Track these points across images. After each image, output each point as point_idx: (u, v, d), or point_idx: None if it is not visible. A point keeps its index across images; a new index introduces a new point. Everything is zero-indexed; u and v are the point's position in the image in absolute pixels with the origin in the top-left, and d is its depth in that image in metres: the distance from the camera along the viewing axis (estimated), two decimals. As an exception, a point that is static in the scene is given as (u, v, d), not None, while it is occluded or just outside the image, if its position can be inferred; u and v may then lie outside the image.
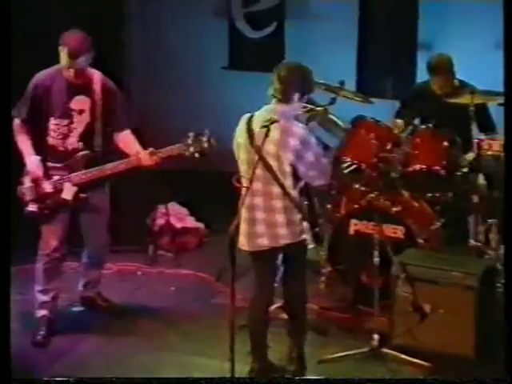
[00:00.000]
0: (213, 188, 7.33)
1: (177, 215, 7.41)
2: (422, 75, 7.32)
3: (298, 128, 4.95)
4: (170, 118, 8.34)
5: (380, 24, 7.80)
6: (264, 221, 4.98)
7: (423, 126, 6.56)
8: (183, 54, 8.34)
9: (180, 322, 6.03)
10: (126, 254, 6.22)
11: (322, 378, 4.99)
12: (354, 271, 6.16)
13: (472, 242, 6.41)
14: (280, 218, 4.97)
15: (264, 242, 5.01)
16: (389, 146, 6.50)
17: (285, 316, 5.97)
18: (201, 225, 7.50)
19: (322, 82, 6.67)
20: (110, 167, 5.57)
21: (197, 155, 5.51)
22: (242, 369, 4.84)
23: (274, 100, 5.04)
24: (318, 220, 5.12)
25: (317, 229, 5.06)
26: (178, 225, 7.37)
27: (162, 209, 7.30)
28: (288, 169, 4.91)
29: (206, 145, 5.49)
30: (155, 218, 7.31)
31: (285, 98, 4.98)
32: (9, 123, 4.71)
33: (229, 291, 4.60)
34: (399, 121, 6.78)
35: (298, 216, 4.98)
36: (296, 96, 4.98)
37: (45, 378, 4.77)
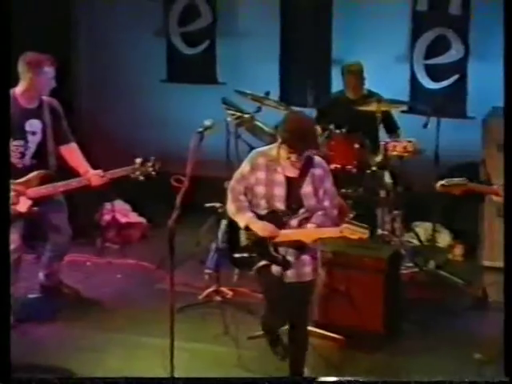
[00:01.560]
0: (154, 187, 7.31)
1: (121, 211, 7.39)
2: (336, 86, 7.42)
3: None
4: (115, 127, 8.28)
5: (299, 41, 7.83)
6: None
7: (337, 131, 6.62)
8: (126, 69, 8.27)
9: (126, 305, 6.02)
10: (77, 246, 6.17)
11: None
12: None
13: (380, 231, 6.52)
14: None
15: None
16: (308, 148, 6.56)
17: (218, 299, 6.04)
18: (143, 220, 7.48)
19: (249, 92, 6.72)
20: (62, 185, 5.60)
21: (142, 178, 5.54)
22: (182, 345, 4.85)
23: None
24: None
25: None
26: (123, 220, 7.35)
27: (108, 206, 7.27)
28: None
29: (151, 169, 5.53)
30: (102, 213, 7.28)
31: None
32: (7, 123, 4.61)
33: (169, 278, 4.62)
34: None
35: None
36: None
37: (42, 377, 4.65)
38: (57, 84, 5.65)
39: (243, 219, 4.64)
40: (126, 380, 4.18)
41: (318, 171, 4.59)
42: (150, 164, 5.54)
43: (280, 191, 4.58)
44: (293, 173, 4.58)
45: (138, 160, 5.56)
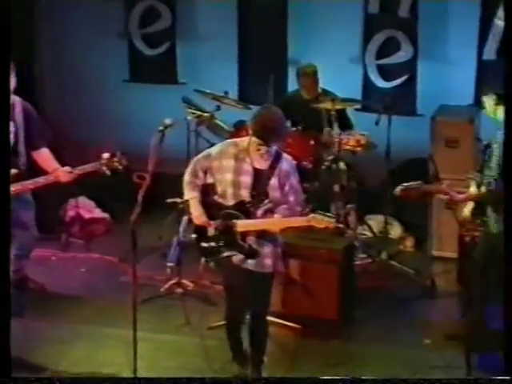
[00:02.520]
0: (117, 183, 7.29)
1: (86, 207, 7.34)
2: (292, 85, 7.45)
3: None
4: (79, 126, 8.22)
5: (256, 43, 7.84)
6: None
7: (294, 128, 6.65)
8: (89, 70, 8.20)
9: (91, 298, 5.99)
10: (42, 241, 6.11)
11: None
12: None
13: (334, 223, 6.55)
14: None
15: None
16: (265, 146, 6.57)
17: (180, 291, 6.03)
18: (107, 215, 7.43)
19: (208, 92, 6.72)
20: (31, 182, 5.55)
21: (108, 173, 5.52)
22: (145, 336, 4.84)
23: None
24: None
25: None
26: (87, 215, 7.31)
27: (72, 202, 7.24)
28: None
29: (117, 164, 5.49)
30: (67, 209, 7.24)
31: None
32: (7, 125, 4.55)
33: (132, 271, 4.60)
34: None
35: None
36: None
37: (44, 376, 4.59)
38: (20, 84, 5.57)
39: (189, 194, 4.73)
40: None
41: (285, 166, 4.64)
42: (116, 159, 5.52)
43: (246, 179, 4.61)
44: (261, 165, 4.62)
45: (105, 155, 5.51)
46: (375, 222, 7.03)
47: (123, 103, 8.15)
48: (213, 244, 4.69)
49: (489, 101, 5.17)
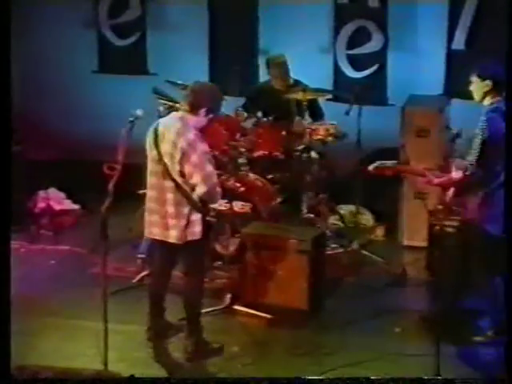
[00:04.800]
0: (87, 174, 7.26)
1: (56, 199, 7.29)
2: (263, 75, 7.44)
3: (190, 133, 4.89)
4: (48, 117, 8.14)
5: (227, 34, 7.83)
6: (157, 211, 5.00)
7: (265, 119, 6.65)
8: (58, 60, 8.15)
9: (60, 290, 5.94)
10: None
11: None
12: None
13: (305, 213, 6.58)
14: (170, 209, 4.95)
15: (156, 231, 5.03)
16: (237, 136, 6.58)
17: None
18: (77, 207, 7.40)
19: (179, 82, 6.68)
20: None
21: None
22: (114, 327, 4.81)
23: (182, 109, 5.01)
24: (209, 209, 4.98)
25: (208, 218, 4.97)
26: (57, 207, 7.26)
27: (42, 193, 7.19)
28: (177, 167, 4.86)
29: None
30: (36, 201, 7.19)
31: (192, 110, 4.94)
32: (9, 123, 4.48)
33: (102, 262, 4.58)
34: (241, 110, 6.83)
35: (187, 208, 4.92)
36: (202, 111, 4.93)
37: (45, 377, 4.56)
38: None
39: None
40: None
41: None
42: None
43: None
44: None
45: None
46: (346, 211, 7.05)
47: (93, 94, 8.09)
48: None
49: (480, 85, 4.94)
